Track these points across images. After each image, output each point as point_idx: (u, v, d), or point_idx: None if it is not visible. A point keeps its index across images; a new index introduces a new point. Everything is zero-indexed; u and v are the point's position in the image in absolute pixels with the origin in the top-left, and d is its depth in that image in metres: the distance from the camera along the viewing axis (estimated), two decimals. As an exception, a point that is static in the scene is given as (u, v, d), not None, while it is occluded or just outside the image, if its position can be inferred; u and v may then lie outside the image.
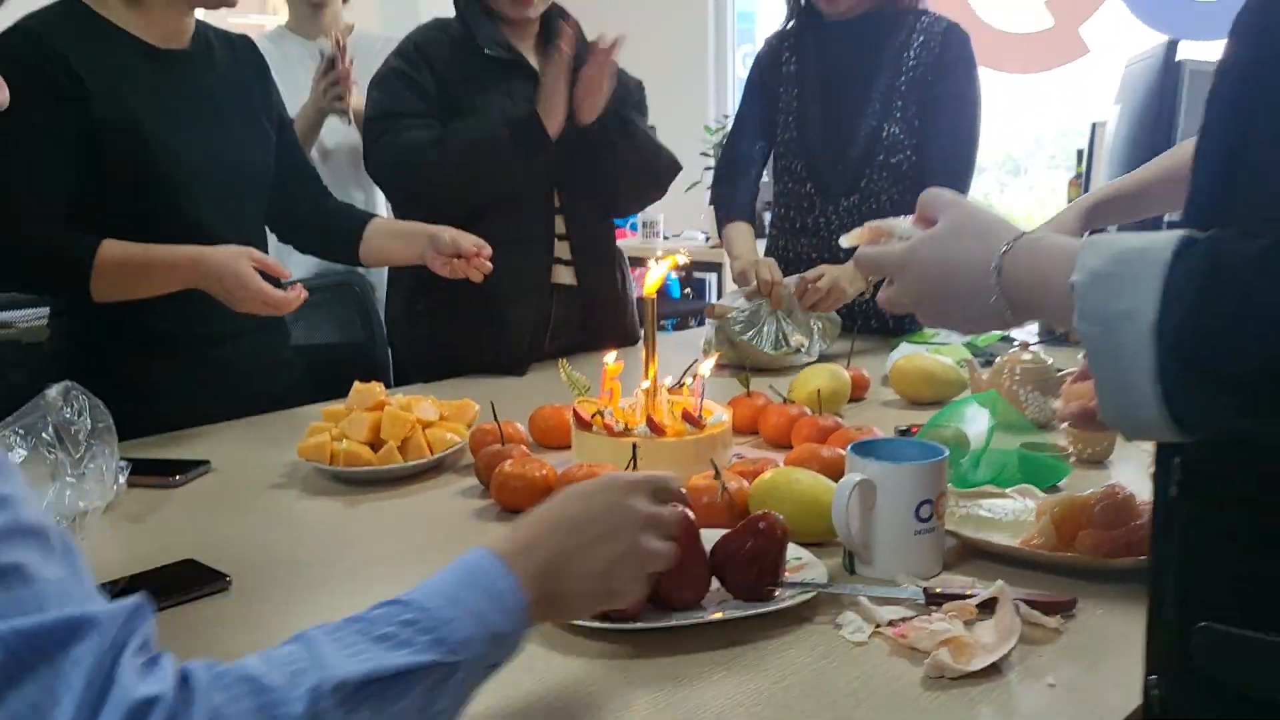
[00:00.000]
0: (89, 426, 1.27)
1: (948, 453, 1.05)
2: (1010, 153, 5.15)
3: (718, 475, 1.16)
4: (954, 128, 2.16)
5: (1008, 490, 1.20)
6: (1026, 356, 1.56)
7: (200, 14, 1.67)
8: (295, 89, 2.39)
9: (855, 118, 2.19)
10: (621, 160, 2.02)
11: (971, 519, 1.15)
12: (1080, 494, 1.09)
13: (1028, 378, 1.53)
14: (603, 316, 2.12)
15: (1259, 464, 0.64)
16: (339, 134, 2.45)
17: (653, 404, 1.35)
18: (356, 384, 1.44)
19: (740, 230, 2.27)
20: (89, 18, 1.56)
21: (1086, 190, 3.75)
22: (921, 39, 2.16)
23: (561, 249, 2.05)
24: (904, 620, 0.93)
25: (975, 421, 1.35)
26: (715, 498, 1.15)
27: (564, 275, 2.06)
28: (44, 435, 1.22)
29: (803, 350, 2.02)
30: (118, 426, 1.30)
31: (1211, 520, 0.67)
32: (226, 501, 1.33)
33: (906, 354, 1.78)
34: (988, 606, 0.93)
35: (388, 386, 1.64)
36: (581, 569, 0.76)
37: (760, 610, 0.94)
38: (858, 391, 1.72)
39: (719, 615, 0.94)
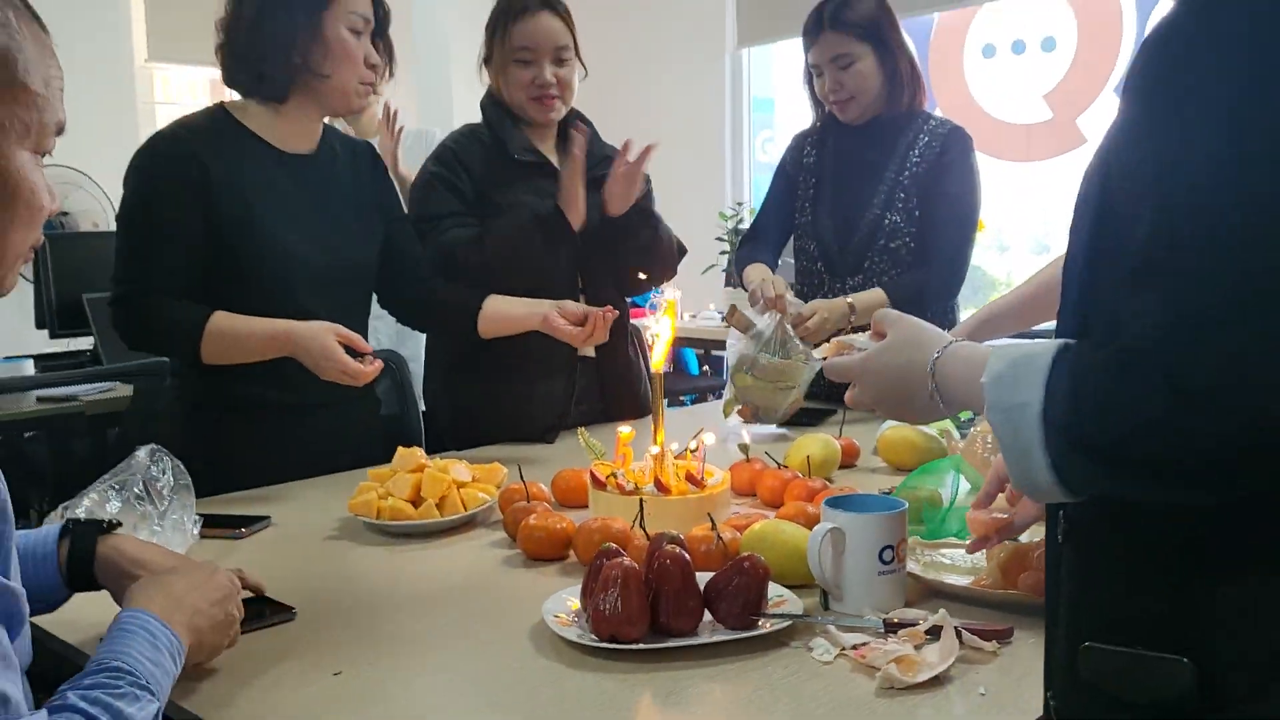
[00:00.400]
0: (171, 483, 1.47)
1: (906, 505, 1.23)
2: (1035, 234, 5.36)
3: (714, 527, 1.35)
4: (950, 219, 2.39)
5: (967, 541, 1.37)
6: (997, 427, 1.74)
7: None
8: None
9: (862, 207, 2.44)
10: (642, 247, 2.24)
11: (935, 564, 1.32)
12: (1023, 542, 1.26)
13: (998, 445, 1.71)
14: (619, 388, 2.32)
15: (1126, 517, 0.82)
16: None
17: (660, 467, 1.54)
18: (400, 449, 1.64)
19: (756, 265, 2.51)
20: (229, 123, 1.85)
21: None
22: (926, 139, 2.41)
23: None
24: (864, 644, 1.10)
25: (949, 484, 1.54)
26: (711, 546, 1.33)
27: (586, 349, 2.25)
28: (135, 490, 1.42)
29: (810, 359, 2.19)
30: (195, 485, 1.50)
31: (1090, 561, 0.85)
32: (285, 550, 1.52)
33: (895, 426, 1.97)
34: (937, 632, 1.10)
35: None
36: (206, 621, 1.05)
37: (744, 635, 1.12)
38: (848, 459, 1.90)
39: (709, 639, 1.12)
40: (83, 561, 1.10)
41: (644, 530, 1.34)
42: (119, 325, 1.80)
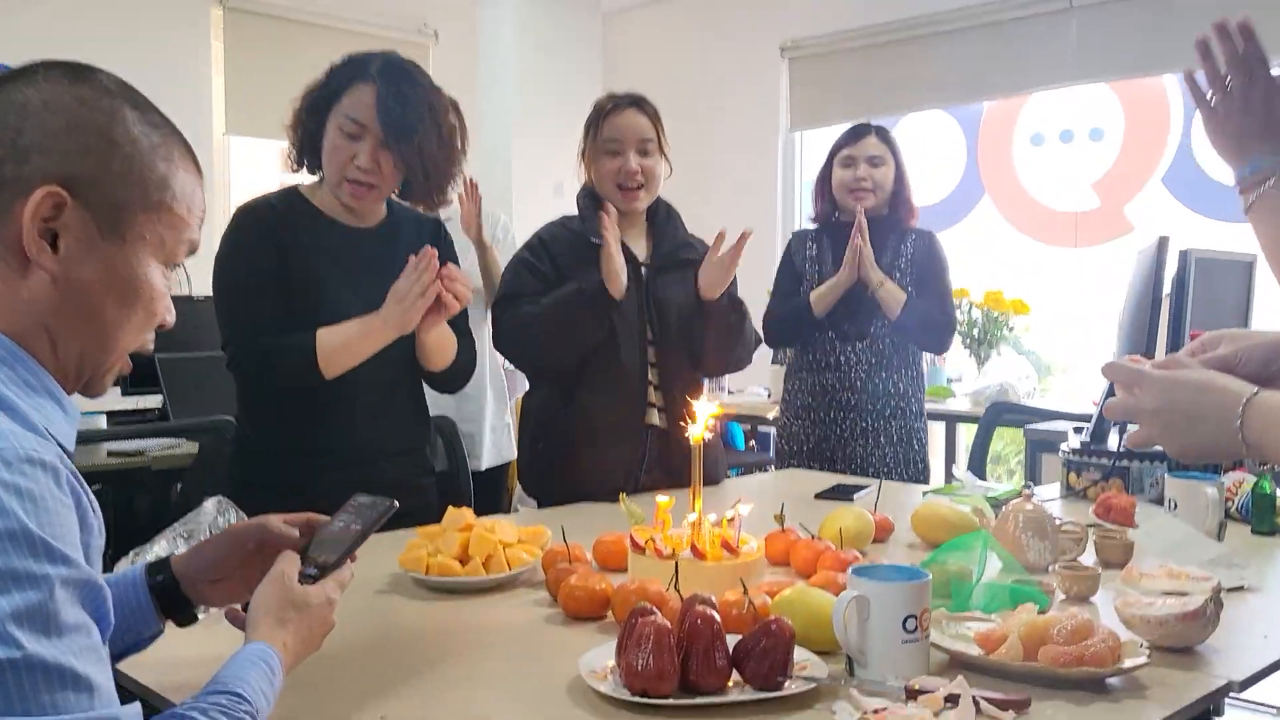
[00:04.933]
0: (236, 533, 1.56)
1: (929, 577, 1.29)
2: (1085, 317, 5.36)
3: (745, 591, 1.41)
4: (945, 290, 3.06)
5: (992, 614, 1.42)
6: (1029, 506, 1.78)
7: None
8: None
9: (863, 288, 2.97)
10: (727, 330, 2.39)
11: (959, 636, 1.37)
12: (1043, 616, 1.31)
13: (1028, 524, 1.75)
14: (688, 457, 2.42)
15: None
16: None
17: (697, 534, 1.61)
18: (450, 509, 1.72)
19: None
20: (300, 201, 2.07)
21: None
22: (914, 237, 3.07)
23: (655, 396, 2.41)
24: (885, 709, 1.15)
25: (976, 559, 1.58)
26: (742, 609, 1.38)
27: (654, 418, 2.41)
28: (202, 538, 1.51)
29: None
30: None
31: None
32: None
33: (929, 502, 2.01)
34: (956, 700, 1.15)
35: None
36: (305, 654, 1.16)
37: (770, 696, 1.17)
38: (881, 533, 1.95)
39: (737, 698, 1.17)
40: (174, 588, 1.20)
41: (678, 592, 1.40)
42: (243, 374, 2.01)
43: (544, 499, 2.32)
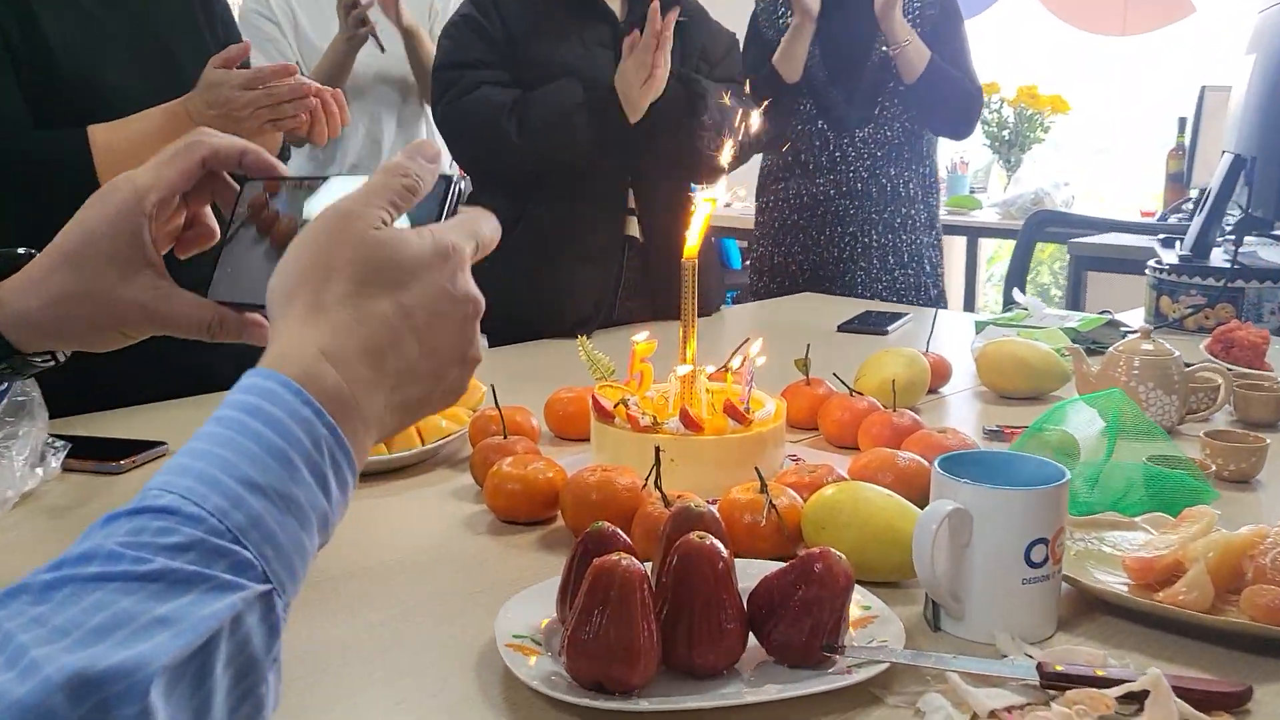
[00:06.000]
0: (8, 402, 1.05)
1: (1067, 474, 0.79)
2: (1131, 122, 4.75)
3: (764, 488, 0.92)
4: (961, 57, 2.34)
5: (1137, 519, 0.93)
6: (1147, 345, 1.28)
7: None
8: (325, 24, 2.33)
9: (865, 48, 2.29)
10: (681, 131, 1.80)
11: (1091, 556, 0.89)
12: (1240, 533, 0.82)
13: (1149, 372, 1.26)
14: (673, 280, 1.90)
15: None
16: (373, 63, 2.37)
17: (689, 393, 1.11)
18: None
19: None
20: None
21: (1189, 165, 3.41)
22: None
23: (632, 201, 1.90)
24: (1012, 709, 0.67)
25: (1083, 426, 1.09)
26: (759, 517, 0.90)
27: (633, 228, 1.90)
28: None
29: None
30: (47, 402, 1.09)
31: None
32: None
33: (994, 338, 1.52)
34: (1131, 697, 0.67)
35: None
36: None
37: (813, 689, 0.69)
38: (936, 381, 1.45)
39: (755, 696, 0.70)
40: None
41: (660, 491, 0.91)
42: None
43: (491, 338, 1.82)
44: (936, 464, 0.80)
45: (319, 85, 1.31)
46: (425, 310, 0.53)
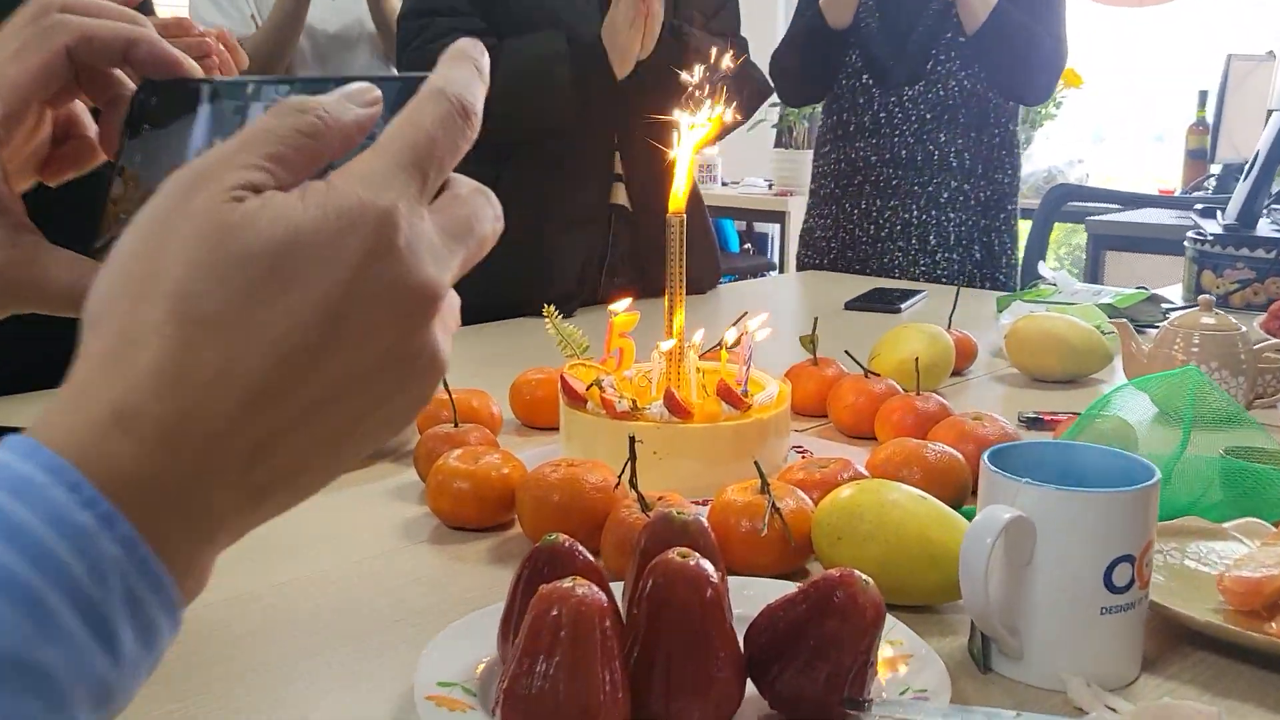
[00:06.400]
0: None
1: (1157, 474, 0.62)
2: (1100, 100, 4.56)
3: (765, 487, 0.74)
4: (1040, 18, 1.96)
5: (1225, 525, 0.76)
6: (1209, 319, 1.11)
7: None
8: None
9: None
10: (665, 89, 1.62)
11: (1178, 574, 0.71)
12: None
13: (1212, 349, 1.08)
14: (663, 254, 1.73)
15: None
16: (331, 18, 2.18)
17: (675, 373, 0.93)
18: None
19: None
20: None
21: (1214, 139, 3.23)
22: None
23: (620, 166, 1.73)
24: (1099, 791, 0.50)
25: (1138, 413, 0.92)
26: (759, 524, 0.73)
27: (620, 196, 1.73)
28: None
29: None
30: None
31: None
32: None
33: (1032, 315, 1.34)
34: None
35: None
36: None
37: (831, 758, 0.52)
38: (960, 362, 1.28)
39: (755, 765, 0.52)
40: None
41: (636, 492, 0.74)
42: None
43: (462, 320, 1.63)
44: (986, 458, 0.63)
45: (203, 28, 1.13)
46: (321, 316, 0.32)
